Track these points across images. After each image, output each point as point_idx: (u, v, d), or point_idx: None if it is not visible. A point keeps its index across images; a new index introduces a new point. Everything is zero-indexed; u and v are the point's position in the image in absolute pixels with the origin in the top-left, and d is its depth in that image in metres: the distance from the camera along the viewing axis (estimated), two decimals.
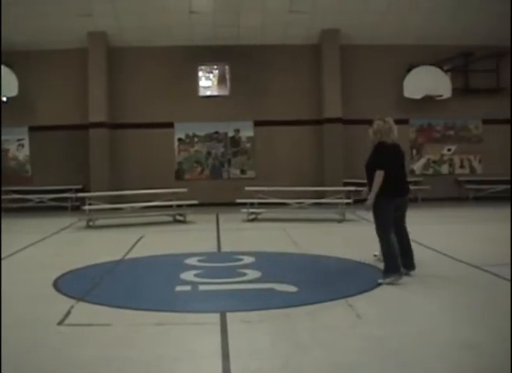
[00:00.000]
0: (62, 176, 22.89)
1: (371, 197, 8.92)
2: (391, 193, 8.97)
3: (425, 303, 7.55)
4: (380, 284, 8.57)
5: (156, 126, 23.38)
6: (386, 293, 8.14)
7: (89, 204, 17.38)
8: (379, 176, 8.87)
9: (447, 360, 5.36)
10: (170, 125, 23.61)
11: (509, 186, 23.31)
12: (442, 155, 24.40)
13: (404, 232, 9.40)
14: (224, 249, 12.66)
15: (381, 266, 9.20)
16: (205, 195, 21.50)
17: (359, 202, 18.53)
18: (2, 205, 22.16)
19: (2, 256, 11.39)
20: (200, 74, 23.97)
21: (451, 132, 24.40)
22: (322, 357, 5.48)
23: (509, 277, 8.66)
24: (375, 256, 10.63)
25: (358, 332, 6.22)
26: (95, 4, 20.86)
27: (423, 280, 9.05)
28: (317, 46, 23.51)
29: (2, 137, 23.10)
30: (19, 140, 23.34)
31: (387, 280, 8.65)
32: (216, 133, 23.92)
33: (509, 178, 23.38)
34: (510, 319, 6.33)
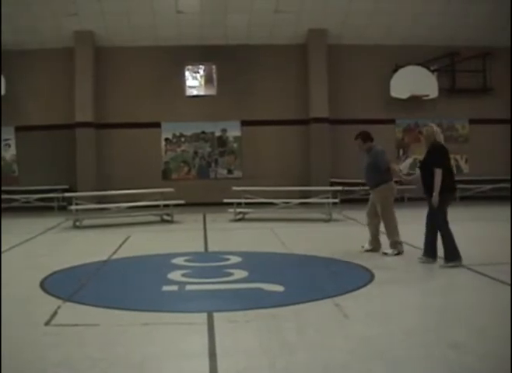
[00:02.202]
0: (49, 175, 22.84)
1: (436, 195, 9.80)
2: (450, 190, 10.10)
3: (412, 302, 7.57)
4: (442, 267, 9.71)
5: (143, 126, 23.35)
6: (373, 292, 8.16)
7: (76, 204, 17.32)
8: (439, 174, 9.80)
9: (434, 359, 5.37)
10: (157, 125, 23.60)
11: (495, 186, 23.46)
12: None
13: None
14: (211, 248, 12.66)
15: (365, 258, 9.29)
16: (191, 195, 21.47)
17: (346, 202, 18.63)
18: None
19: None
20: (187, 74, 23.97)
21: None
22: (309, 357, 5.49)
23: (496, 277, 8.70)
24: (362, 247, 11.55)
25: (345, 332, 6.23)
26: (81, 3, 20.81)
27: (410, 279, 9.09)
28: (304, 46, 23.54)
29: None
30: (5, 140, 23.27)
31: (451, 264, 9.68)
32: (203, 133, 23.92)
33: (496, 178, 23.52)
34: (510, 319, 6.35)
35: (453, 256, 9.77)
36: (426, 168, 10.07)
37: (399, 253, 11.15)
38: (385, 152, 11.74)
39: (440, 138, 10.33)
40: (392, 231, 11.34)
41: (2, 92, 21.69)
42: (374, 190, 11.50)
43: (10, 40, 21.88)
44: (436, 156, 10.00)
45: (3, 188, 22.58)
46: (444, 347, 5.63)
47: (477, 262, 9.92)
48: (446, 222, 10.03)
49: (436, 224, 10.08)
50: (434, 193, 9.78)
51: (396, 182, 11.77)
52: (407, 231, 11.97)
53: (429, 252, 10.19)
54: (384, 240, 11.47)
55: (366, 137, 11.68)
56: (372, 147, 11.66)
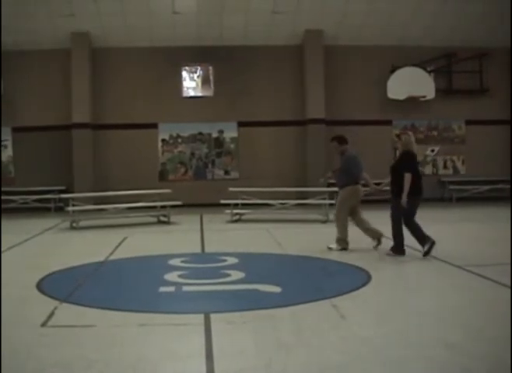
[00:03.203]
0: (46, 176, 22.84)
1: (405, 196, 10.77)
2: (419, 192, 11.06)
3: (408, 303, 7.58)
4: (425, 254, 10.71)
5: (140, 126, 23.36)
6: (370, 293, 8.17)
7: (73, 205, 17.31)
8: (408, 178, 10.80)
9: (429, 360, 5.38)
10: (154, 126, 23.62)
11: (492, 187, 23.51)
12: (425, 156, 24.50)
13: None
14: (208, 249, 12.66)
15: (362, 259, 9.47)
16: (188, 196, 21.48)
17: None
18: None
19: None
20: (184, 74, 23.97)
21: (435, 133, 24.53)
22: (306, 358, 5.49)
23: (492, 277, 8.72)
24: (329, 248, 12.00)
25: (342, 333, 6.23)
26: (78, 4, 20.81)
27: (407, 280, 9.12)
28: (301, 46, 23.56)
29: None
30: (2, 141, 23.24)
31: (427, 247, 10.72)
32: (200, 134, 23.93)
33: (492, 178, 23.56)
34: (510, 319, 6.37)
35: (424, 241, 10.81)
36: (397, 172, 11.07)
37: (344, 249, 11.92)
38: (358, 157, 12.38)
39: (414, 148, 11.52)
40: (341, 229, 12.09)
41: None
42: (341, 190, 12.20)
43: (7, 40, 21.85)
44: (408, 162, 11.08)
45: None
46: (441, 348, 5.64)
47: (474, 262, 9.94)
48: (412, 219, 10.98)
49: (404, 223, 11.02)
50: (403, 195, 10.73)
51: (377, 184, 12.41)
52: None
53: (399, 247, 11.15)
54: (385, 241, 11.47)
55: (341, 141, 12.40)
56: (346, 150, 12.33)
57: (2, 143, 23.27)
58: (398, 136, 11.93)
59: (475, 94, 24.05)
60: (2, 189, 22.61)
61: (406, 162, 11.10)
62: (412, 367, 5.27)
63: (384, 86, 23.22)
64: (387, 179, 11.60)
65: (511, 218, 14.56)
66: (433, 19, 22.07)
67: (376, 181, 12.51)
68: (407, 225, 11.00)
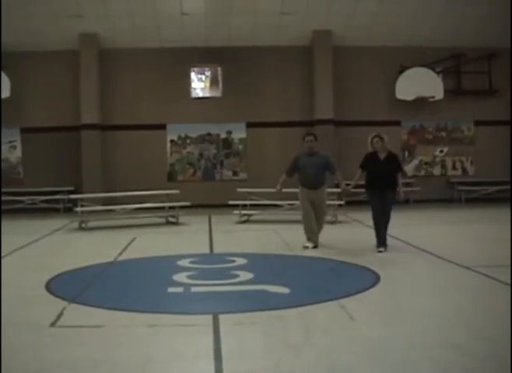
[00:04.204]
0: (54, 177, 22.86)
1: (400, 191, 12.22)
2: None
3: (416, 304, 7.55)
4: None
5: (148, 127, 23.38)
6: (378, 294, 8.16)
7: (82, 206, 17.35)
8: (400, 177, 12.22)
9: (437, 361, 5.37)
10: (162, 127, 23.62)
11: (501, 188, 23.44)
12: (434, 157, 24.45)
13: None
14: (216, 250, 12.66)
15: (370, 260, 9.47)
16: (197, 197, 21.49)
17: (351, 203, 18.63)
18: None
19: None
20: (192, 75, 23.98)
21: (443, 134, 24.45)
22: (314, 359, 5.48)
23: (498, 278, 8.70)
24: (306, 247, 12.37)
25: (350, 334, 6.22)
26: (86, 5, 20.84)
27: (415, 281, 9.09)
28: (309, 47, 23.52)
29: None
30: (10, 141, 23.30)
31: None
32: (208, 134, 23.93)
33: (501, 179, 23.49)
34: (510, 319, 6.35)
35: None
36: (389, 170, 12.06)
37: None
38: None
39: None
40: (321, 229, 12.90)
41: (8, 94, 21.69)
42: (320, 189, 12.64)
43: (16, 41, 21.91)
44: (399, 163, 12.37)
45: (8, 190, 22.66)
46: (448, 349, 5.62)
47: (483, 264, 9.91)
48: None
49: (388, 217, 12.04)
50: (398, 190, 12.10)
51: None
52: (421, 233, 12.12)
53: (384, 241, 11.98)
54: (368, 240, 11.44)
55: (317, 138, 12.94)
56: (318, 149, 12.89)
57: (11, 144, 23.32)
58: (378, 136, 12.32)
59: (484, 95, 23.98)
60: (12, 190, 22.72)
61: (397, 162, 12.28)
62: (419, 368, 5.25)
63: (392, 87, 23.18)
64: (356, 179, 12.42)
65: (511, 219, 14.52)
66: (441, 19, 22.01)
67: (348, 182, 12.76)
68: (388, 219, 12.06)
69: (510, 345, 5.54)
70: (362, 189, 12.96)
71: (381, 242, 11.93)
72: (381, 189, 11.92)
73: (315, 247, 12.42)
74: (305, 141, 12.74)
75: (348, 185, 12.72)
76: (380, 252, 11.68)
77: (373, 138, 12.32)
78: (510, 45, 22.24)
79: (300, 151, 13.08)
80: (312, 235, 12.54)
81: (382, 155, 12.17)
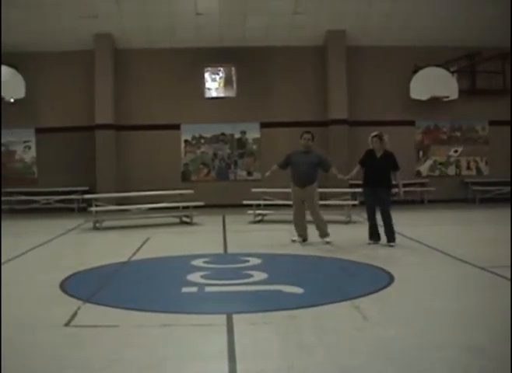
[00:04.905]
0: (69, 177, 22.93)
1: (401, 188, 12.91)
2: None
3: (430, 304, 7.53)
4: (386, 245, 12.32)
5: (163, 127, 23.42)
6: (392, 294, 8.15)
7: (96, 206, 17.41)
8: (399, 175, 12.77)
9: (452, 362, 5.35)
10: (177, 127, 23.65)
11: None
12: (448, 157, 24.37)
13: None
14: (230, 250, 12.67)
15: (384, 260, 9.43)
16: (211, 196, 21.50)
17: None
18: (9, 207, 22.30)
19: (9, 257, 11.43)
20: (206, 75, 24.00)
21: (458, 133, 24.37)
22: (328, 359, 5.48)
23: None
24: (293, 241, 13.23)
25: (364, 334, 6.21)
26: (101, 6, 20.90)
27: (429, 281, 9.07)
28: (323, 47, 23.50)
29: (9, 139, 23.22)
30: (25, 142, 23.41)
31: (392, 244, 12.43)
32: (223, 134, 23.94)
33: None
34: (510, 319, 6.34)
35: (394, 237, 12.50)
36: (384, 168, 12.53)
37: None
38: None
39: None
40: (324, 223, 13.25)
41: (23, 95, 21.80)
42: (309, 187, 13.18)
43: (30, 42, 22.02)
44: (395, 161, 12.66)
45: (23, 190, 22.79)
46: (463, 350, 5.61)
47: (498, 264, 9.87)
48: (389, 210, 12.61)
49: (387, 213, 12.44)
50: (398, 190, 12.75)
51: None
52: (435, 233, 12.11)
53: (377, 236, 12.70)
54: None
55: (314, 138, 13.34)
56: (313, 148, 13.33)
57: (26, 144, 23.41)
58: (377, 136, 12.72)
59: (499, 94, 23.85)
60: (26, 189, 22.88)
61: (394, 161, 12.65)
62: (433, 369, 5.24)
63: (406, 87, 23.11)
64: (353, 173, 13.16)
65: (511, 220, 14.46)
66: (455, 18, 21.93)
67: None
68: (388, 216, 12.48)
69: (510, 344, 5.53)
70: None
71: (372, 235, 12.76)
72: (374, 187, 12.45)
73: (304, 240, 13.24)
74: (302, 139, 13.16)
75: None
76: (369, 244, 12.64)
77: (373, 137, 12.73)
78: None
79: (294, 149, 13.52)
80: (301, 231, 13.33)
81: (379, 154, 12.63)
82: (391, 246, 12.30)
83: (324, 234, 13.13)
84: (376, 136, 12.65)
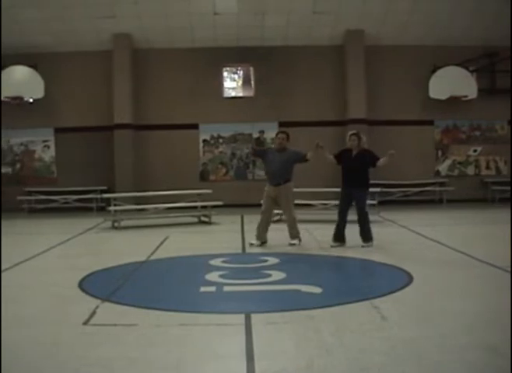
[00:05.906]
0: (87, 177, 23.07)
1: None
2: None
3: (449, 305, 7.49)
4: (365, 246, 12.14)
5: (181, 127, 23.49)
6: (411, 294, 8.11)
7: (115, 205, 17.45)
8: (384, 160, 12.23)
9: (471, 363, 5.31)
10: (195, 126, 23.70)
11: None
12: (468, 156, 24.27)
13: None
14: (249, 250, 12.65)
15: (403, 260, 9.47)
16: (229, 196, 21.53)
17: (384, 203, 18.54)
18: (28, 206, 22.42)
19: (28, 256, 11.52)
20: (224, 75, 24.04)
21: (477, 133, 24.27)
22: (346, 359, 5.45)
23: None
24: (251, 244, 12.89)
25: (383, 334, 6.18)
26: (119, 6, 21.00)
27: (448, 281, 9.02)
28: (342, 47, 23.49)
29: (29, 139, 23.40)
30: (44, 141, 23.55)
31: (369, 244, 12.26)
32: (241, 134, 23.95)
33: None
34: (510, 319, 6.32)
35: (371, 237, 12.34)
36: (359, 168, 12.28)
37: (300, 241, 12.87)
38: None
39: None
40: (295, 223, 13.04)
41: (42, 94, 21.95)
42: (283, 186, 12.82)
43: (50, 42, 22.16)
44: (373, 155, 12.35)
45: (42, 189, 22.94)
46: (481, 351, 5.56)
47: None
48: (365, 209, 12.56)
49: (363, 213, 12.40)
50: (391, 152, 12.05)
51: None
52: (454, 232, 12.04)
53: (342, 237, 12.50)
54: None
55: (289, 138, 13.25)
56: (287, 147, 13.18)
57: (45, 143, 23.54)
58: (355, 135, 12.49)
59: None
60: (46, 189, 23.05)
61: (369, 156, 12.34)
62: (452, 370, 5.20)
63: (425, 86, 23.06)
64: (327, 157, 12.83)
65: (511, 220, 14.37)
66: (475, 18, 21.85)
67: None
68: (364, 215, 12.42)
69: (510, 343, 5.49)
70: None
71: (336, 237, 12.54)
72: (349, 186, 12.38)
73: (264, 243, 12.95)
74: (276, 138, 13.30)
75: None
76: (332, 246, 12.37)
77: (351, 135, 12.58)
78: None
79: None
80: (261, 233, 12.99)
81: (354, 152, 12.49)
82: (368, 246, 12.20)
83: (293, 236, 12.95)
84: (354, 134, 12.49)
